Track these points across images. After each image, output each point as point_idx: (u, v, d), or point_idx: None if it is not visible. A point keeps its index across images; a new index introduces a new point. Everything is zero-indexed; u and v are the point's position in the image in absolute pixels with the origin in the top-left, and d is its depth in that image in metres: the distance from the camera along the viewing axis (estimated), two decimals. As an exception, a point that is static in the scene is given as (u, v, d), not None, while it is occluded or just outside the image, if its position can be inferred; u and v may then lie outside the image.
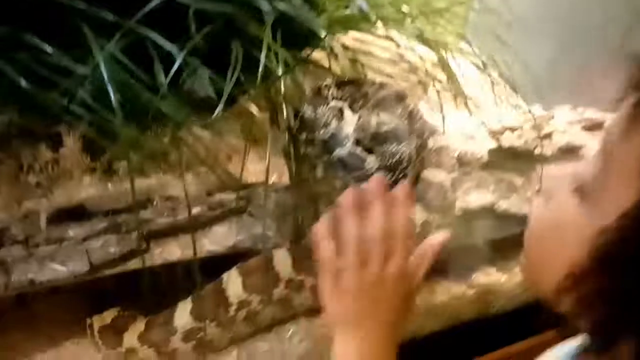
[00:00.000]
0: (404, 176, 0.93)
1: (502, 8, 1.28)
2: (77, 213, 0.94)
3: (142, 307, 0.98)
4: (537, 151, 1.16)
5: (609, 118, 0.53)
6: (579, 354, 0.58)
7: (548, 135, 1.20)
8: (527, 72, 1.26)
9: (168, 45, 0.91)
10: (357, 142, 0.96)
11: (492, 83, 1.26)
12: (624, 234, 0.44)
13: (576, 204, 0.50)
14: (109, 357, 0.93)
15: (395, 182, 0.88)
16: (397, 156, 0.94)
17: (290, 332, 0.95)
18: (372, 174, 0.93)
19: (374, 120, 0.95)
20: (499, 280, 1.09)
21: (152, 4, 0.90)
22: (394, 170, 0.95)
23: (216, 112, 0.89)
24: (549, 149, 1.17)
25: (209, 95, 1.08)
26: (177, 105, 0.93)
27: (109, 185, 0.99)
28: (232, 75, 0.96)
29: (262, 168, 1.01)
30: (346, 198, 0.65)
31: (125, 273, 0.94)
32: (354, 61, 1.16)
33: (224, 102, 0.92)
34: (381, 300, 0.66)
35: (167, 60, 0.95)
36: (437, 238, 0.72)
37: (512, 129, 1.21)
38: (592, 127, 1.27)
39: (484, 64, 1.21)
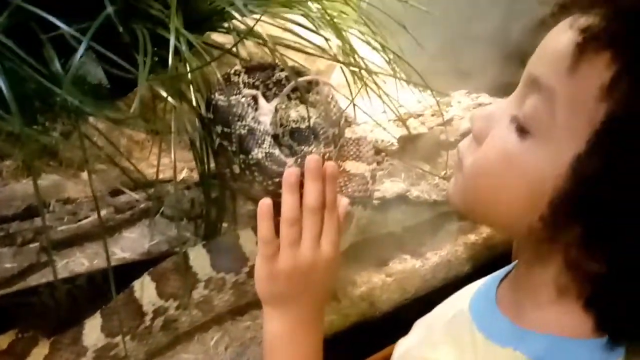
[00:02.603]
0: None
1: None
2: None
3: (42, 328, 0.87)
4: (442, 137, 1.19)
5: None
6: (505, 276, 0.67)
7: (449, 121, 1.23)
8: (420, 58, 1.27)
9: (64, 27, 0.78)
10: (275, 138, 0.90)
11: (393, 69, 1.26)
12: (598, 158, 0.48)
13: (519, 141, 0.53)
14: (7, 387, 0.81)
15: None
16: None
17: (215, 339, 0.89)
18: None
19: (293, 114, 0.89)
20: (414, 266, 1.10)
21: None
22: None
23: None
24: (451, 134, 1.20)
25: (100, 82, 0.98)
26: (78, 94, 0.81)
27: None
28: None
29: (168, 162, 0.93)
30: (285, 179, 0.66)
31: (23, 290, 0.82)
32: (261, 45, 1.08)
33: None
34: (312, 283, 0.68)
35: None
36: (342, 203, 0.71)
37: (416, 116, 1.23)
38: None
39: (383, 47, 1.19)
